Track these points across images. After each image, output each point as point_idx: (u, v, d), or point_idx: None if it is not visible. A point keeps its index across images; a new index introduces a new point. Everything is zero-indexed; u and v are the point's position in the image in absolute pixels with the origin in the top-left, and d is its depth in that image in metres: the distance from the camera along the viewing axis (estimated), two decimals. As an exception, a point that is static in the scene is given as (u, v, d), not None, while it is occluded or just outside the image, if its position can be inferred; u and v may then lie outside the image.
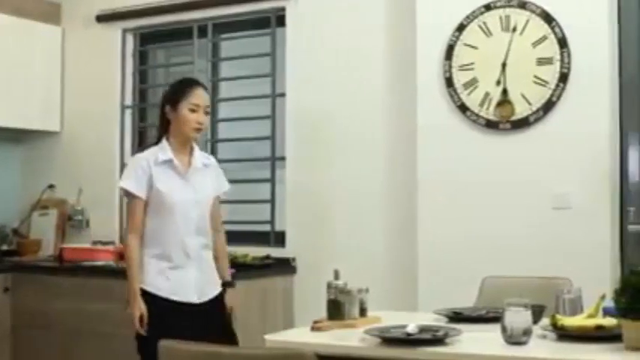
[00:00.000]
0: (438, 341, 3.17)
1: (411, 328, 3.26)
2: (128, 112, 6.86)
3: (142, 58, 6.98)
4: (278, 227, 6.16)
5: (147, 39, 6.96)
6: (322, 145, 5.91)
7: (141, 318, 4.16)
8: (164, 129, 4.45)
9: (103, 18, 6.83)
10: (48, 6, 6.96)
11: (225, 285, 4.49)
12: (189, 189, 4.36)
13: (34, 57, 6.83)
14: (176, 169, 4.36)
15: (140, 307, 4.17)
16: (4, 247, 6.71)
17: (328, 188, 5.86)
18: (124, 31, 6.87)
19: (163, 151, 4.38)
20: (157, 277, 4.25)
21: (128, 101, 6.87)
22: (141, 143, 6.77)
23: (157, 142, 4.47)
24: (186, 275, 4.28)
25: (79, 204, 6.79)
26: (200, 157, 4.50)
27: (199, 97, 4.39)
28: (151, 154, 4.39)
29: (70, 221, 6.82)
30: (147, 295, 4.22)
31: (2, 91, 6.49)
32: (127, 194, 4.38)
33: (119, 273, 5.84)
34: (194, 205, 4.36)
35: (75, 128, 6.93)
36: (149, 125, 6.92)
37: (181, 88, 4.43)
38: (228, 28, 6.62)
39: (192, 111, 4.34)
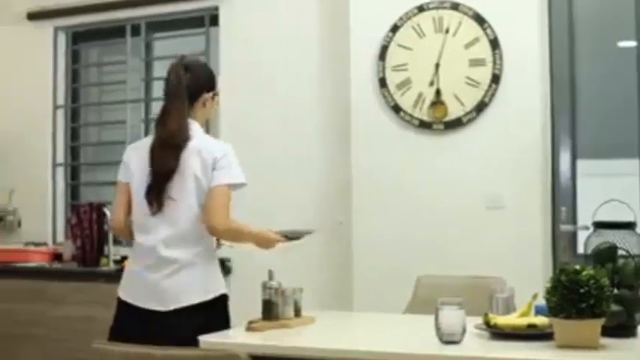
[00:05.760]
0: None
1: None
2: (60, 112, 6.79)
3: (74, 56, 6.90)
4: (212, 227, 6.13)
5: (79, 37, 6.89)
6: (257, 144, 5.90)
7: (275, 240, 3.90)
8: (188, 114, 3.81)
9: (35, 16, 6.75)
10: (-24, 3, 6.87)
11: None
12: None
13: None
14: None
15: (275, 236, 3.93)
16: None
17: (263, 188, 5.84)
18: (56, 29, 6.79)
19: None
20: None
21: (60, 101, 6.79)
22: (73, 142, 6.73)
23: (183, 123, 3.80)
24: None
25: (11, 204, 6.69)
26: None
27: None
28: None
29: (2, 222, 6.72)
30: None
31: None
32: (233, 188, 3.83)
33: (52, 274, 5.80)
34: None
35: (6, 127, 6.82)
36: (82, 125, 6.86)
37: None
38: (162, 27, 6.58)
39: None
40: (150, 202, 3.69)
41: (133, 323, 3.68)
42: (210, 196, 3.71)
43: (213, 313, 3.79)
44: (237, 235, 3.89)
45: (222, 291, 3.83)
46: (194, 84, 3.81)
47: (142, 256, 3.75)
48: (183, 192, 3.70)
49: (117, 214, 3.85)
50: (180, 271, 3.70)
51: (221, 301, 3.83)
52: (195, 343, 3.27)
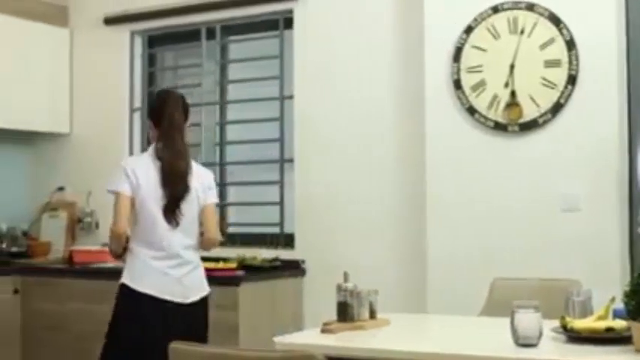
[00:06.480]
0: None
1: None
2: (137, 115, 6.88)
3: (150, 60, 6.99)
4: (287, 229, 6.17)
5: (155, 41, 6.97)
6: (330, 146, 5.92)
7: None
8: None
9: (111, 20, 6.85)
10: (54, 8, 6.98)
11: None
12: None
13: (43, 59, 6.84)
14: None
15: None
16: (14, 249, 6.73)
17: (337, 189, 5.87)
18: (133, 33, 6.89)
19: None
20: None
21: (137, 103, 6.88)
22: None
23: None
24: None
25: (89, 206, 6.80)
26: None
27: None
28: None
29: (80, 223, 6.84)
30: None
31: (11, 93, 6.51)
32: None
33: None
34: None
35: (84, 130, 6.95)
36: (158, 128, 6.94)
37: None
38: (237, 31, 6.63)
39: None
40: (168, 219, 4.37)
41: (153, 313, 4.34)
42: (209, 212, 4.53)
43: (206, 307, 4.51)
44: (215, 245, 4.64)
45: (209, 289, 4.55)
46: (186, 116, 4.56)
47: (165, 258, 4.38)
48: (191, 208, 4.44)
49: (122, 224, 4.36)
50: (194, 270, 4.46)
51: (207, 297, 4.53)
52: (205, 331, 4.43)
